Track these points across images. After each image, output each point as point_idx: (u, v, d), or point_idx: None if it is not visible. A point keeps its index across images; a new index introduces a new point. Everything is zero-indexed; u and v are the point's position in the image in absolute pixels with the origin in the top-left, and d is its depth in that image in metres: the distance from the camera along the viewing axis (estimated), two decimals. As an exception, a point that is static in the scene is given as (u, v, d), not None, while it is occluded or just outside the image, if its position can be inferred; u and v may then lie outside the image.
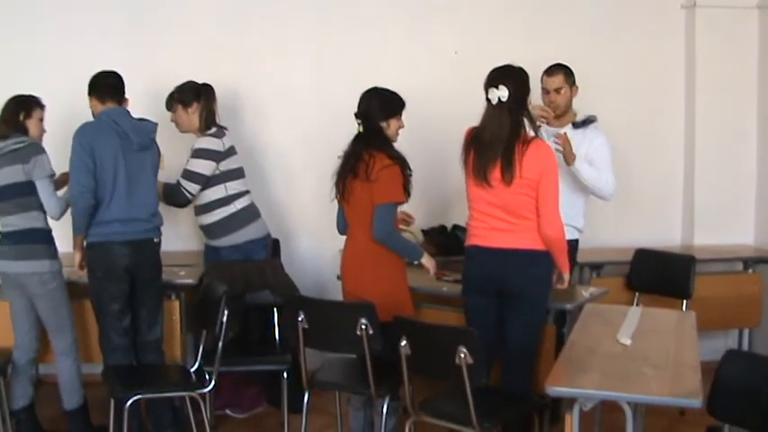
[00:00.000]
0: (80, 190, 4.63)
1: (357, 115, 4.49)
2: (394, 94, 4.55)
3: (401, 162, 4.41)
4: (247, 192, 5.45)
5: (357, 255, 4.54)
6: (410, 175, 4.45)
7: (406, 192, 4.43)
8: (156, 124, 4.92)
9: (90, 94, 4.82)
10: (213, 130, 5.33)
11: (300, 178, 6.21)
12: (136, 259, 4.74)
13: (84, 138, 4.66)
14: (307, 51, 6.19)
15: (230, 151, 5.36)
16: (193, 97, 5.35)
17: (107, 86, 4.81)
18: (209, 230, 5.40)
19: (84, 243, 4.75)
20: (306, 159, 6.16)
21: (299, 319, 4.25)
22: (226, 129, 5.43)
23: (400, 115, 4.54)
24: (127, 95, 4.87)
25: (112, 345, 4.79)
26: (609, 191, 5.12)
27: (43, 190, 4.74)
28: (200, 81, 5.42)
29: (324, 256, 6.01)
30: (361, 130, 4.48)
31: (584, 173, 4.98)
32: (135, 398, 4.41)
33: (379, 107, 4.48)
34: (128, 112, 4.85)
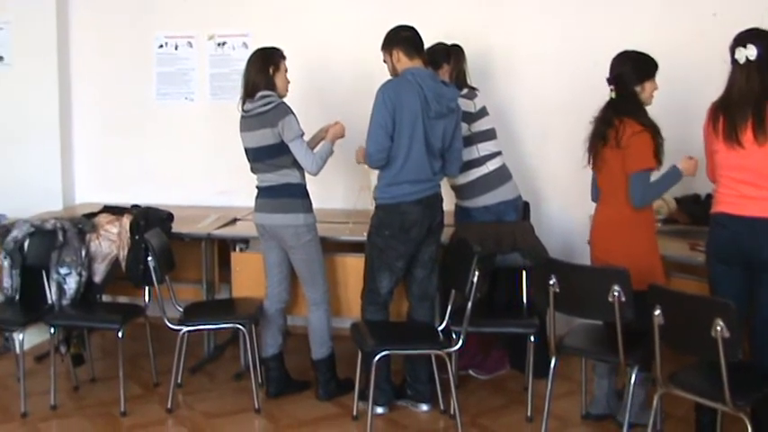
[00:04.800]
0: (376, 149, 4.87)
1: (609, 80, 4.53)
2: (647, 56, 4.56)
3: (652, 128, 4.42)
4: (499, 153, 5.54)
5: (609, 221, 4.59)
6: (661, 142, 4.45)
7: (658, 158, 4.43)
8: (456, 92, 5.07)
9: (391, 46, 4.99)
10: (464, 91, 5.44)
11: (552, 140, 6.24)
12: (426, 216, 4.95)
13: (388, 97, 4.84)
14: (558, 11, 6.22)
15: (482, 112, 5.48)
16: (444, 58, 5.48)
17: (414, 41, 4.98)
18: (460, 191, 5.54)
19: (375, 203, 5.04)
20: (557, 122, 6.20)
21: (551, 282, 4.33)
22: (477, 89, 5.56)
23: (654, 77, 4.56)
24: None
25: (379, 299, 5.06)
26: None
27: (297, 150, 5.02)
28: (449, 42, 5.56)
29: (573, 220, 6.04)
30: (613, 95, 4.52)
31: None
32: (383, 353, 4.66)
33: (633, 70, 4.50)
34: (432, 74, 5.02)
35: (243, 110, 5.13)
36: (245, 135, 5.15)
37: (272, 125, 4.99)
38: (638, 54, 4.56)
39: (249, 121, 5.09)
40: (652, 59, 4.57)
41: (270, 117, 5.00)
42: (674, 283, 4.80)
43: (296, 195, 5.15)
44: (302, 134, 5.04)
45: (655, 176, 4.55)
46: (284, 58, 5.16)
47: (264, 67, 5.08)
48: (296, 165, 5.11)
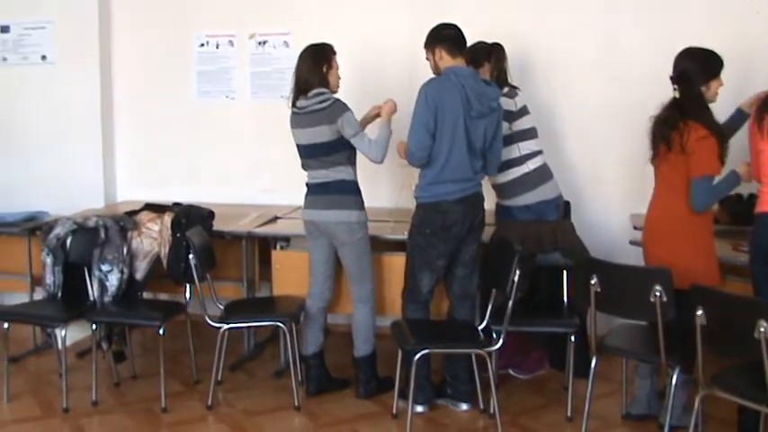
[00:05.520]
0: (418, 146, 4.89)
1: (673, 79, 4.45)
2: (712, 53, 4.47)
3: (717, 133, 4.34)
4: (540, 152, 5.54)
5: (666, 218, 4.54)
6: (726, 146, 4.39)
7: (722, 162, 4.37)
8: (498, 91, 5.08)
9: (434, 45, 5.01)
10: (505, 89, 5.45)
11: (593, 139, 6.25)
12: (467, 215, 4.97)
13: (430, 96, 4.86)
14: (598, 10, 6.21)
15: (523, 111, 5.49)
16: (484, 57, 5.48)
17: (456, 39, 5.00)
18: (501, 190, 5.55)
19: (416, 202, 5.06)
20: (598, 120, 6.22)
21: (592, 282, 4.33)
22: (518, 88, 5.57)
23: (719, 76, 4.46)
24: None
25: (420, 298, 5.09)
26: None
27: (359, 144, 5.06)
28: (490, 40, 5.57)
29: (614, 219, 6.07)
30: (676, 95, 4.44)
31: None
32: (424, 351, 4.68)
33: (699, 68, 4.42)
34: (474, 73, 5.03)
35: (296, 106, 5.18)
36: (299, 131, 5.19)
37: (331, 122, 5.03)
38: (703, 51, 4.47)
39: (303, 118, 5.13)
40: (718, 56, 4.47)
41: (328, 114, 5.04)
42: (725, 285, 4.79)
43: (350, 192, 5.20)
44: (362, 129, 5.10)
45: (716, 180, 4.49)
46: (335, 53, 5.20)
47: (317, 64, 5.13)
48: (350, 161, 5.17)
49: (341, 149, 5.10)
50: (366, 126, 5.28)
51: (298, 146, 5.24)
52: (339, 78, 5.22)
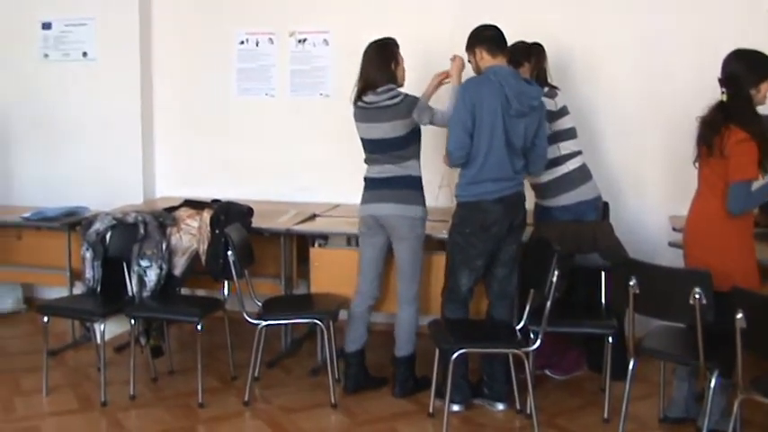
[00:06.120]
0: (456, 146, 4.93)
1: (721, 81, 4.38)
2: (762, 54, 4.39)
3: (759, 137, 4.27)
4: (580, 152, 5.54)
5: (706, 220, 4.50)
6: None
7: (762, 167, 4.31)
8: (539, 90, 5.09)
9: (474, 46, 5.05)
10: (545, 89, 5.44)
11: (632, 140, 6.23)
12: (506, 215, 4.98)
13: (468, 95, 4.91)
14: (639, 8, 6.20)
15: (563, 111, 5.50)
16: (524, 56, 5.50)
17: (497, 39, 5.03)
18: (540, 190, 5.56)
19: (456, 201, 5.09)
20: (637, 121, 6.20)
21: (631, 283, 4.33)
22: (558, 88, 5.58)
23: None
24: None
25: (459, 297, 5.12)
26: None
27: (441, 122, 5.07)
28: (530, 40, 5.59)
29: (653, 220, 6.05)
30: (724, 98, 4.37)
31: None
32: (461, 351, 4.71)
33: (748, 70, 4.35)
34: (515, 73, 5.06)
35: (363, 101, 5.22)
36: (367, 126, 5.24)
37: (404, 116, 5.11)
38: (753, 53, 4.39)
39: (373, 113, 5.18)
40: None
41: (402, 109, 5.12)
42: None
43: (416, 187, 5.25)
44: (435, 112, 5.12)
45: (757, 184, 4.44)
46: (399, 47, 5.27)
47: (385, 60, 5.21)
48: (417, 156, 5.24)
49: (411, 144, 5.19)
50: (431, 97, 5.26)
51: (363, 140, 5.29)
52: (404, 72, 5.28)
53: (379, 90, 5.15)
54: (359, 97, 5.24)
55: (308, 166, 6.87)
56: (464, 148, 4.92)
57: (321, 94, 6.81)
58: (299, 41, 6.90)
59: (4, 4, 7.47)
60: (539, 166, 5.19)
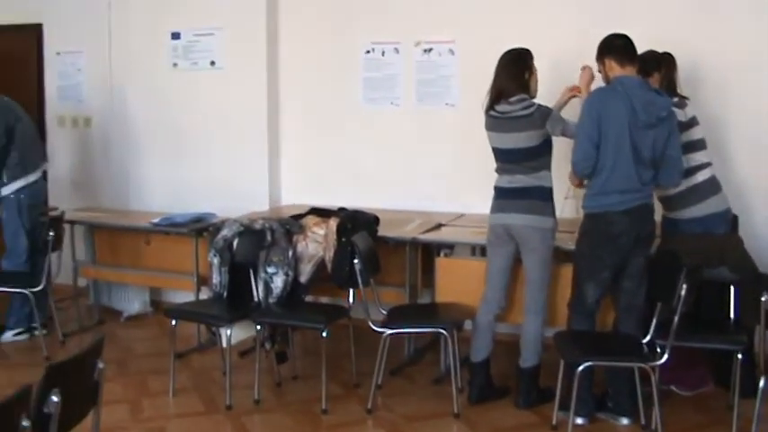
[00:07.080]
0: (582, 157, 4.95)
1: None
2: None
3: None
4: (709, 164, 5.49)
5: None
6: None
7: None
8: (669, 101, 5.05)
9: (604, 55, 5.07)
10: (675, 99, 5.39)
11: (763, 152, 6.12)
12: (633, 227, 4.97)
13: (593, 107, 4.94)
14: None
15: (692, 121, 5.45)
16: (654, 66, 5.47)
17: (626, 49, 5.03)
18: (668, 202, 5.51)
19: (582, 212, 5.12)
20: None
21: (762, 299, 4.29)
22: (687, 98, 5.53)
23: None
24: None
25: (586, 309, 5.13)
26: None
27: (571, 132, 5.10)
28: (661, 49, 5.54)
29: (784, 235, 5.94)
30: None
31: None
32: (587, 364, 4.69)
33: None
34: (644, 83, 5.04)
35: (495, 110, 5.27)
36: (499, 135, 5.29)
37: (538, 127, 5.15)
38: None
39: (506, 123, 5.23)
40: None
41: (536, 119, 5.16)
42: None
43: (548, 199, 5.29)
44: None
45: None
46: (533, 58, 5.30)
47: (519, 70, 5.26)
48: (549, 167, 5.28)
49: (544, 154, 5.23)
50: (562, 109, 5.32)
51: (495, 149, 5.34)
52: (537, 83, 5.32)
53: (512, 100, 5.19)
54: (491, 106, 5.28)
55: (433, 175, 6.94)
56: (589, 159, 4.93)
57: (447, 104, 6.88)
58: (425, 51, 6.98)
59: (135, 16, 7.78)
60: (674, 177, 5.12)
